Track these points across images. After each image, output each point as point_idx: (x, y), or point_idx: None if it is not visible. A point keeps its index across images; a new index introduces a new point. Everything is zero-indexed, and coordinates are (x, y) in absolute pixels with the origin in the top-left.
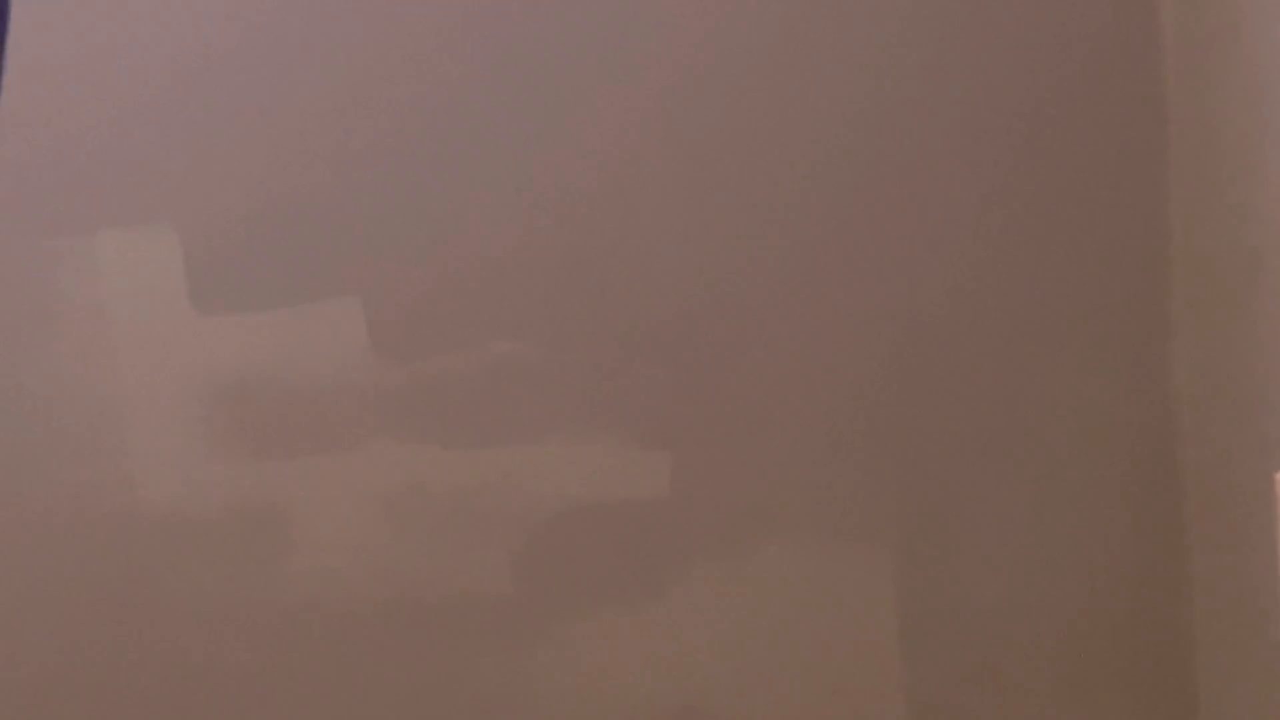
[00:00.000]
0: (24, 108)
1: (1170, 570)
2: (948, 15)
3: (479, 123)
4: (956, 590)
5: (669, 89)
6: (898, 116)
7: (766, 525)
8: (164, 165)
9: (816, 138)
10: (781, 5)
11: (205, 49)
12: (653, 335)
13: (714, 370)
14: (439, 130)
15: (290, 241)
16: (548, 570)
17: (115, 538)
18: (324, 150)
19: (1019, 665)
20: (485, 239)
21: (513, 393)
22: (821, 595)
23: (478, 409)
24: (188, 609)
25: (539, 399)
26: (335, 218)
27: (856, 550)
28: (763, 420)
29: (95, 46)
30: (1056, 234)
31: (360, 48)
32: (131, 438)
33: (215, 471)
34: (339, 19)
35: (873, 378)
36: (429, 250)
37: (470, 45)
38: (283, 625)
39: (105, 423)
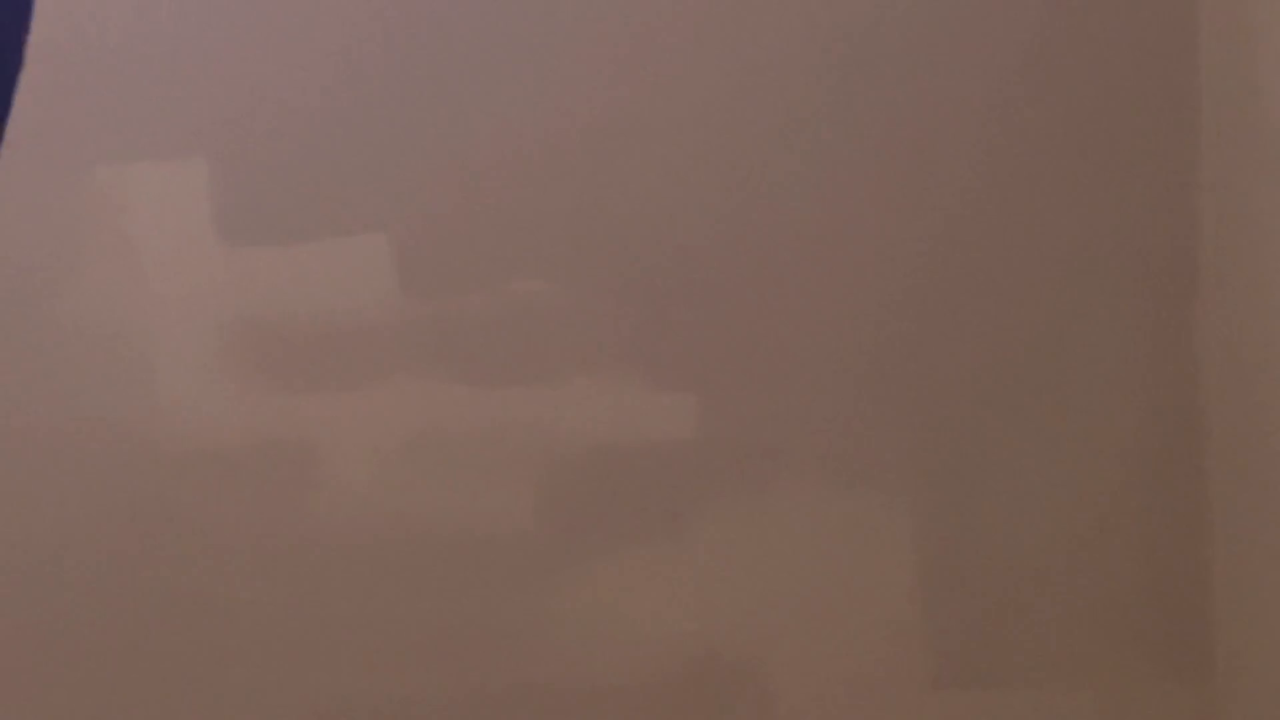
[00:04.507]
0: (53, 40)
1: (1190, 519)
2: None
3: (508, 62)
4: (975, 536)
5: (695, 26)
6: (931, 60)
7: (788, 468)
8: (195, 98)
9: (851, 77)
10: None
11: None
12: (678, 277)
13: (738, 312)
14: (469, 68)
15: (319, 176)
16: (569, 510)
17: (139, 469)
18: (355, 86)
19: (1037, 611)
20: (512, 177)
21: (537, 332)
22: (842, 539)
23: (502, 347)
24: (210, 542)
25: (563, 338)
26: (365, 153)
27: (878, 495)
28: (786, 363)
29: None
30: (1084, 186)
31: None
32: (158, 370)
33: (240, 405)
34: None
35: (897, 324)
36: (456, 187)
37: None
38: (304, 559)
39: (132, 355)
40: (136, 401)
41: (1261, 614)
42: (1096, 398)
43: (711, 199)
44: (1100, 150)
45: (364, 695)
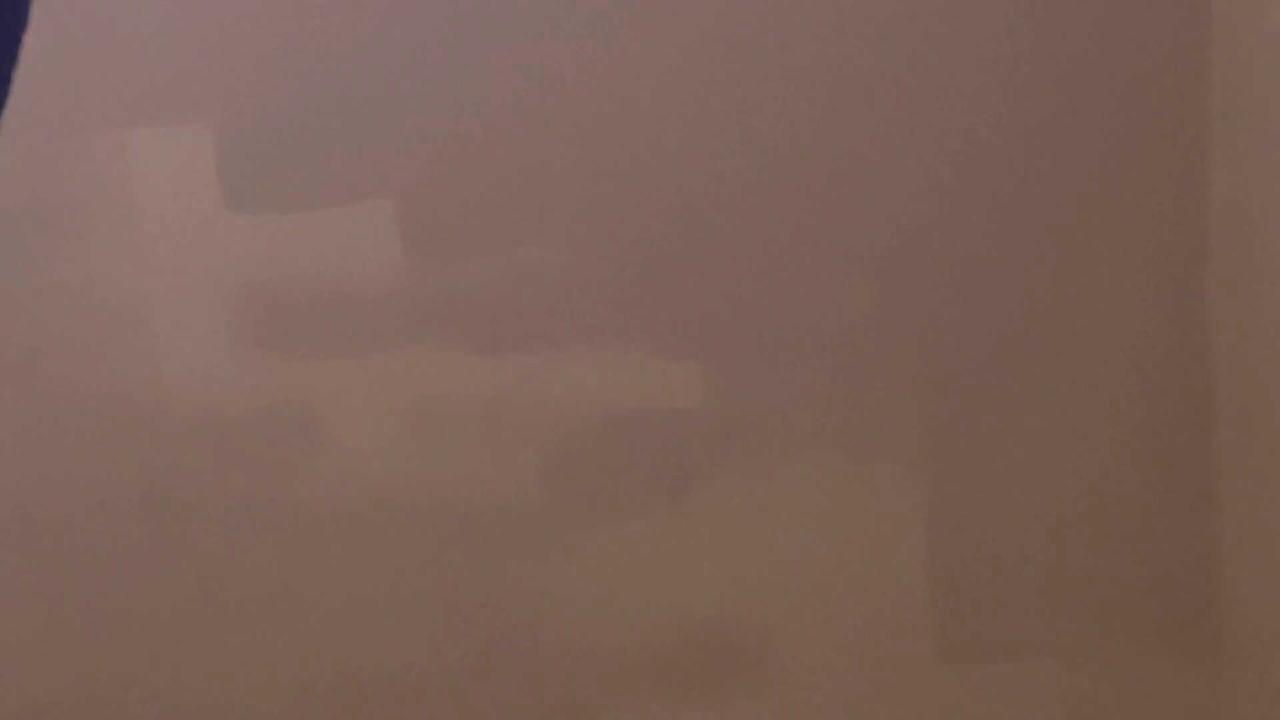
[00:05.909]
0: (59, 4)
1: (1199, 495)
2: None
3: (513, 30)
4: (982, 509)
5: None
6: (945, 29)
7: (794, 438)
8: (199, 64)
9: (865, 42)
10: None
11: None
12: (684, 246)
13: (745, 283)
14: (474, 35)
15: (324, 143)
16: (573, 479)
17: (143, 437)
18: (360, 53)
19: (1043, 586)
20: (518, 144)
21: (542, 300)
22: (848, 511)
23: (507, 315)
24: (213, 509)
25: (569, 307)
26: (370, 119)
27: (884, 465)
28: (792, 333)
29: None
30: (1094, 159)
31: None
32: (161, 337)
33: (244, 372)
34: None
35: (904, 295)
36: (461, 154)
37: None
38: (307, 527)
39: (135, 321)
40: (140, 368)
41: (1269, 591)
42: (1105, 371)
43: (719, 167)
44: (1110, 123)
45: (367, 662)
